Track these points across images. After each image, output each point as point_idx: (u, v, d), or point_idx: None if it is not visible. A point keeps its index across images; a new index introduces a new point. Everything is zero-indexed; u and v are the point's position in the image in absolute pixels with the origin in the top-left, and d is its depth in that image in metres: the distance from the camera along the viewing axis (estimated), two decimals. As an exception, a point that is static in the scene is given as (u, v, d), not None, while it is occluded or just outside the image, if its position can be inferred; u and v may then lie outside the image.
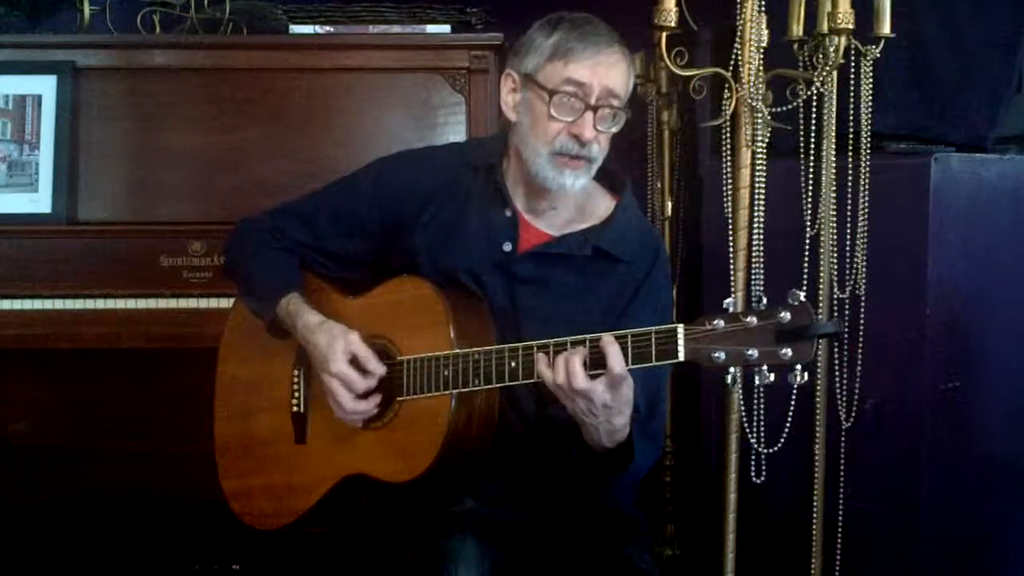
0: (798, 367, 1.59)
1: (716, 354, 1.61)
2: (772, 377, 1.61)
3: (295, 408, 2.01)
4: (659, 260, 1.98)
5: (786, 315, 1.58)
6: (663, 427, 1.98)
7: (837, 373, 2.49)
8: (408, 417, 1.86)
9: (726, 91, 2.42)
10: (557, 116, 1.85)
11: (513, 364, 1.76)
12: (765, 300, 1.62)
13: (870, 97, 2.41)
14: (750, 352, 1.59)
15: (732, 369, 1.62)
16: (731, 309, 1.62)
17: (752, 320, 1.59)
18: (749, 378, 2.42)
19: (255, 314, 2.03)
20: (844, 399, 2.49)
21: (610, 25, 1.89)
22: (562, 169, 1.87)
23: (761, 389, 2.46)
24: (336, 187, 2.08)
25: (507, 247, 1.93)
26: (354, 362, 1.87)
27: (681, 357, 1.63)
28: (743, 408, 2.49)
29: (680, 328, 1.63)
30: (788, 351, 1.58)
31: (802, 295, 1.59)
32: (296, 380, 2.01)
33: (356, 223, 2.02)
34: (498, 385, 1.79)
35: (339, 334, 1.88)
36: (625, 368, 1.66)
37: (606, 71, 1.84)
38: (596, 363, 1.67)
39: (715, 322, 1.61)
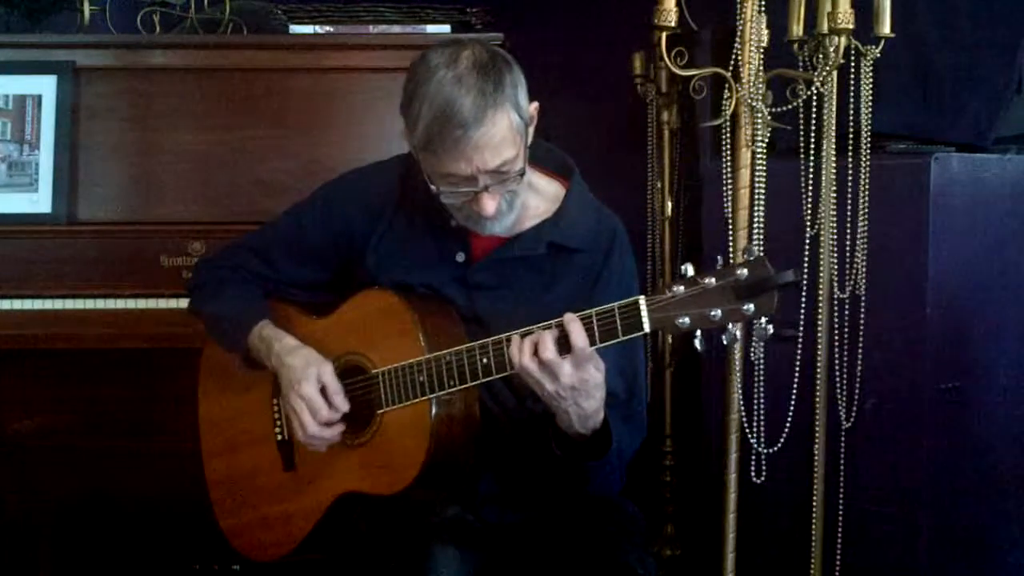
0: (763, 320, 1.60)
1: (680, 320, 1.61)
2: (739, 335, 1.61)
3: (279, 436, 2.01)
4: (616, 240, 1.95)
5: (743, 271, 1.58)
6: (644, 408, 1.96)
7: (837, 373, 2.49)
8: (391, 429, 1.86)
9: (726, 91, 2.42)
10: (450, 203, 1.82)
11: (485, 360, 1.75)
12: (720, 260, 1.63)
13: (870, 97, 2.41)
14: (713, 313, 1.60)
15: (699, 334, 1.62)
16: (688, 273, 1.63)
17: (711, 281, 1.60)
18: (750, 378, 2.46)
19: (228, 349, 2.03)
20: (844, 399, 2.49)
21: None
22: (478, 220, 1.84)
23: (762, 389, 2.47)
24: (285, 218, 2.07)
25: (460, 257, 1.91)
26: (323, 392, 1.86)
27: (647, 328, 1.63)
28: (743, 408, 2.49)
29: (642, 299, 1.64)
30: (751, 306, 1.58)
31: (755, 248, 1.60)
32: (276, 409, 2.02)
33: (310, 251, 2.01)
34: (473, 384, 1.78)
35: (315, 361, 1.89)
36: (588, 344, 1.65)
37: (481, 155, 1.74)
38: (563, 347, 1.67)
39: (675, 288, 1.62)
